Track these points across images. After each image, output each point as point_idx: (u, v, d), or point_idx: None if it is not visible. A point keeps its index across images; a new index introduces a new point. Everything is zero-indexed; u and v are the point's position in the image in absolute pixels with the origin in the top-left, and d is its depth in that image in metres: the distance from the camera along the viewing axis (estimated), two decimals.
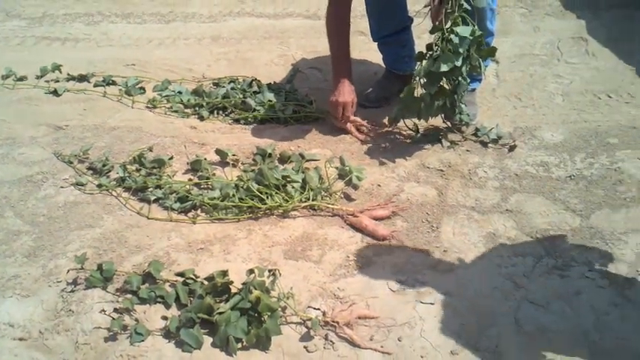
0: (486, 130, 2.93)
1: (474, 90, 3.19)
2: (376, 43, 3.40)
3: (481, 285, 2.15)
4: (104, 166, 2.79)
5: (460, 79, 2.73)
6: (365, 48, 3.79)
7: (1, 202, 2.64)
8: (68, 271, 2.21)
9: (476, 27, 2.63)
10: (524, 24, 4.13)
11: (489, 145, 2.90)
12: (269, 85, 3.41)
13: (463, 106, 2.89)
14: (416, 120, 2.96)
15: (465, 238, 2.38)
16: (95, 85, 3.60)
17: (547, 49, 3.80)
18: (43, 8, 4.78)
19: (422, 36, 3.57)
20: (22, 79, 3.69)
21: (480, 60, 2.71)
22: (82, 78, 3.65)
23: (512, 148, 2.86)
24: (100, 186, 2.70)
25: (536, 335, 1.97)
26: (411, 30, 3.31)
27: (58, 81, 3.65)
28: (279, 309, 2.02)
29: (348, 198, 2.62)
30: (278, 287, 2.09)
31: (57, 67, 3.74)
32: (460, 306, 2.07)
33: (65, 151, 2.94)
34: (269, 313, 1.98)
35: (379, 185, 2.68)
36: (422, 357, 1.91)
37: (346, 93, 2.97)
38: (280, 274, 2.13)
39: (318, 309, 2.07)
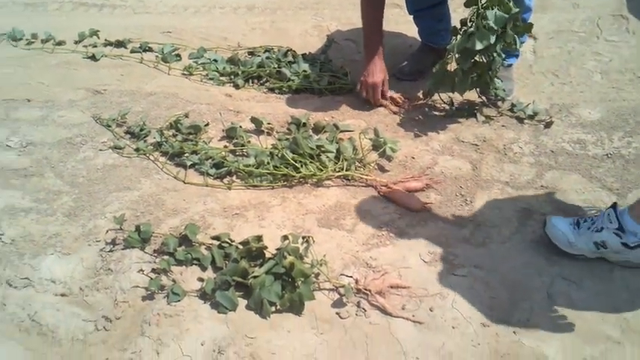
0: (522, 106, 2.91)
1: (510, 65, 3.15)
2: (412, 16, 3.37)
3: (514, 260, 2.15)
4: (141, 130, 2.83)
5: (495, 55, 2.70)
6: (401, 21, 3.77)
7: (42, 162, 2.70)
8: (107, 231, 2.27)
9: (511, 3, 2.59)
10: (563, 0, 4.06)
11: (525, 120, 2.88)
12: (304, 56, 3.41)
13: (498, 81, 2.86)
14: (450, 94, 2.95)
15: (498, 212, 2.37)
16: (132, 52, 3.64)
17: (586, 26, 3.73)
18: None
19: (457, 9, 3.54)
20: (60, 43, 3.75)
21: (516, 37, 2.67)
22: (119, 44, 3.69)
23: (548, 125, 2.84)
24: (137, 150, 2.74)
25: (568, 311, 1.97)
26: (447, 3, 3.27)
27: (95, 46, 3.70)
28: (313, 275, 2.05)
29: (382, 169, 2.63)
30: (311, 254, 2.12)
31: (94, 33, 3.78)
32: (492, 279, 2.08)
33: (103, 114, 2.99)
34: (302, 279, 2.01)
35: (413, 157, 2.69)
36: (453, 327, 1.92)
37: (377, 73, 2.96)
38: (314, 241, 2.16)
39: (351, 277, 2.09)
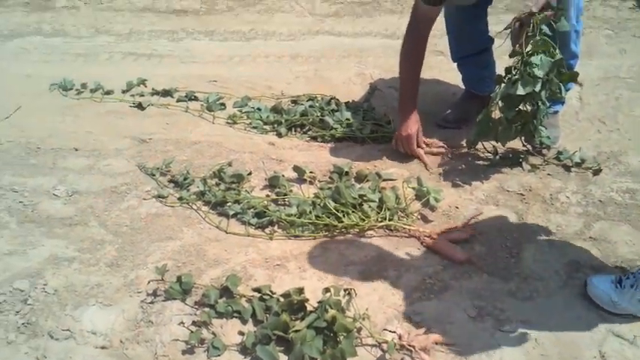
0: (569, 154, 2.85)
1: (556, 112, 3.10)
2: (456, 64, 3.37)
3: (563, 315, 2.09)
4: (185, 179, 2.86)
5: (539, 103, 2.66)
6: (444, 68, 3.76)
7: (87, 211, 2.74)
8: (149, 282, 2.27)
9: (557, 51, 2.55)
10: (610, 46, 4.01)
11: (572, 169, 2.82)
12: (347, 104, 3.42)
13: (543, 129, 2.80)
14: (494, 142, 2.91)
15: (546, 265, 2.31)
16: (178, 100, 3.70)
17: (634, 72, 3.67)
18: (130, 25, 4.95)
19: (502, 57, 3.51)
20: (109, 92, 3.83)
21: (561, 85, 2.63)
22: (166, 93, 3.76)
23: (596, 172, 2.77)
24: (180, 199, 2.76)
25: None
26: (491, 51, 3.25)
27: (142, 95, 3.77)
28: (355, 330, 2.01)
29: (425, 219, 2.60)
30: (353, 307, 2.09)
31: (142, 82, 3.87)
32: (541, 336, 2.01)
33: (148, 163, 3.03)
34: (344, 334, 1.97)
35: (457, 207, 2.65)
36: None
37: (410, 125, 2.94)
38: (356, 294, 2.14)
39: (394, 332, 2.04)
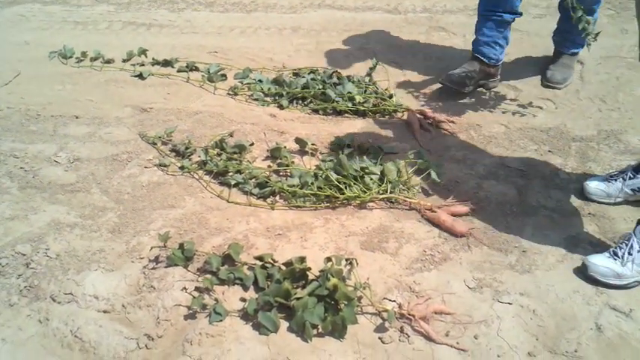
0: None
1: (574, 54, 3.38)
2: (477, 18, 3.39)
3: (561, 288, 2.11)
4: (187, 149, 2.86)
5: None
6: (446, 44, 3.75)
7: (88, 178, 2.74)
8: (151, 248, 2.28)
9: None
10: (612, 25, 4.02)
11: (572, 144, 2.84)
12: (349, 77, 3.42)
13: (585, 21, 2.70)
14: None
15: (545, 239, 2.33)
16: (179, 71, 3.69)
17: (635, 52, 3.67)
18: None
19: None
20: (109, 61, 3.82)
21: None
22: (167, 63, 3.75)
23: None
24: (182, 168, 2.77)
25: (617, 342, 1.91)
26: (511, 26, 3.31)
27: (143, 65, 3.76)
28: (356, 298, 2.03)
29: (426, 193, 2.61)
30: (354, 277, 2.10)
31: (143, 52, 3.85)
32: (539, 308, 2.03)
33: (149, 132, 3.03)
34: (346, 302, 1.99)
35: (457, 182, 2.66)
36: (498, 356, 1.88)
37: None
38: (357, 264, 2.15)
39: (394, 301, 2.06)
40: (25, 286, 2.17)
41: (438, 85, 3.36)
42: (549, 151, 2.82)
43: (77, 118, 3.20)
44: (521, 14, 3.27)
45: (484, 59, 3.32)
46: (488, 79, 3.40)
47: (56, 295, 2.13)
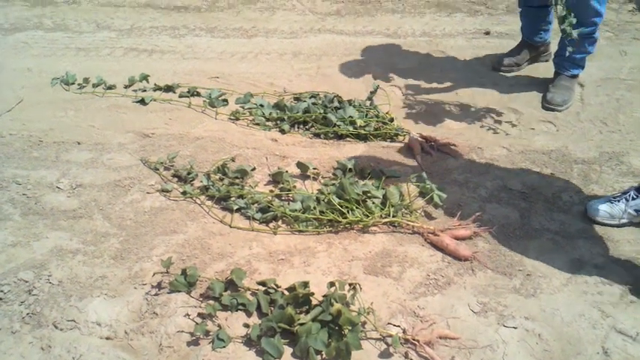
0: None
1: (574, 76, 3.46)
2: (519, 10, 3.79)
3: (567, 311, 2.10)
4: (189, 174, 2.86)
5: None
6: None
7: (91, 204, 2.73)
8: (154, 274, 2.28)
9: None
10: (610, 47, 4.04)
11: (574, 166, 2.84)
12: (350, 101, 3.43)
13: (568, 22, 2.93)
14: None
15: (549, 262, 2.32)
16: (180, 96, 3.70)
17: (634, 74, 3.70)
18: (132, 21, 4.96)
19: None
20: (111, 87, 3.84)
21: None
22: (168, 88, 3.76)
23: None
24: (184, 193, 2.77)
25: None
26: (551, 10, 3.63)
27: (145, 90, 3.78)
28: (360, 323, 2.01)
29: (429, 216, 2.61)
30: (358, 302, 2.10)
31: (144, 77, 3.87)
32: (544, 332, 2.02)
33: (151, 158, 3.03)
34: (350, 327, 1.98)
35: (460, 205, 2.65)
36: None
37: None
38: (360, 289, 2.14)
39: (398, 326, 2.05)
40: (28, 313, 2.16)
41: (440, 108, 3.37)
42: (551, 174, 2.82)
43: (79, 144, 3.21)
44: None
45: (532, 43, 3.78)
46: (539, 57, 3.87)
47: (58, 322, 2.12)
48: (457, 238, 2.43)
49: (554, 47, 3.60)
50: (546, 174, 2.82)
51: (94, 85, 3.86)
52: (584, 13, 3.07)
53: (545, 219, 2.55)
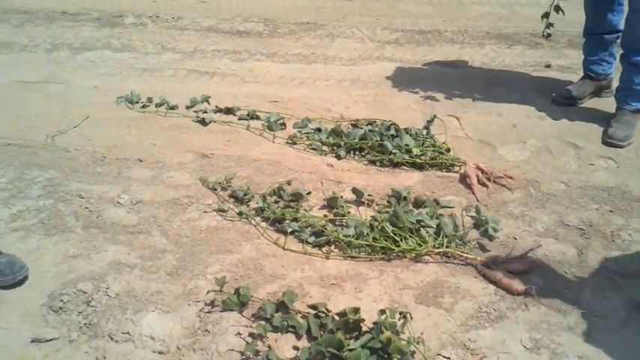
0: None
1: (637, 111, 3.41)
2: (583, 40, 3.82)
3: (623, 353, 2.04)
4: (245, 195, 2.91)
5: None
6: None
7: (149, 220, 2.81)
8: (208, 292, 2.32)
9: None
10: None
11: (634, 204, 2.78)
12: (406, 130, 3.44)
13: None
14: None
15: (605, 301, 2.27)
16: (240, 119, 3.78)
17: None
18: (195, 44, 5.10)
19: None
20: (173, 107, 3.94)
21: None
22: (228, 111, 3.85)
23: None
24: (240, 214, 2.81)
25: None
26: (616, 43, 3.66)
27: (205, 112, 3.87)
28: (409, 352, 2.01)
29: (483, 248, 2.58)
30: (408, 331, 2.09)
31: (206, 99, 3.97)
32: None
33: (210, 178, 3.09)
34: (399, 356, 1.97)
35: (515, 238, 2.63)
36: None
37: None
38: (411, 318, 2.13)
39: (448, 358, 2.04)
40: (85, 324, 2.22)
41: (498, 140, 3.35)
42: (610, 211, 2.76)
43: (141, 161, 3.30)
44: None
45: (594, 75, 3.74)
46: (601, 92, 3.81)
47: (114, 334, 2.18)
48: (511, 272, 2.40)
49: (616, 83, 3.55)
50: (605, 211, 2.77)
51: (157, 105, 3.97)
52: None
53: (603, 257, 2.50)
